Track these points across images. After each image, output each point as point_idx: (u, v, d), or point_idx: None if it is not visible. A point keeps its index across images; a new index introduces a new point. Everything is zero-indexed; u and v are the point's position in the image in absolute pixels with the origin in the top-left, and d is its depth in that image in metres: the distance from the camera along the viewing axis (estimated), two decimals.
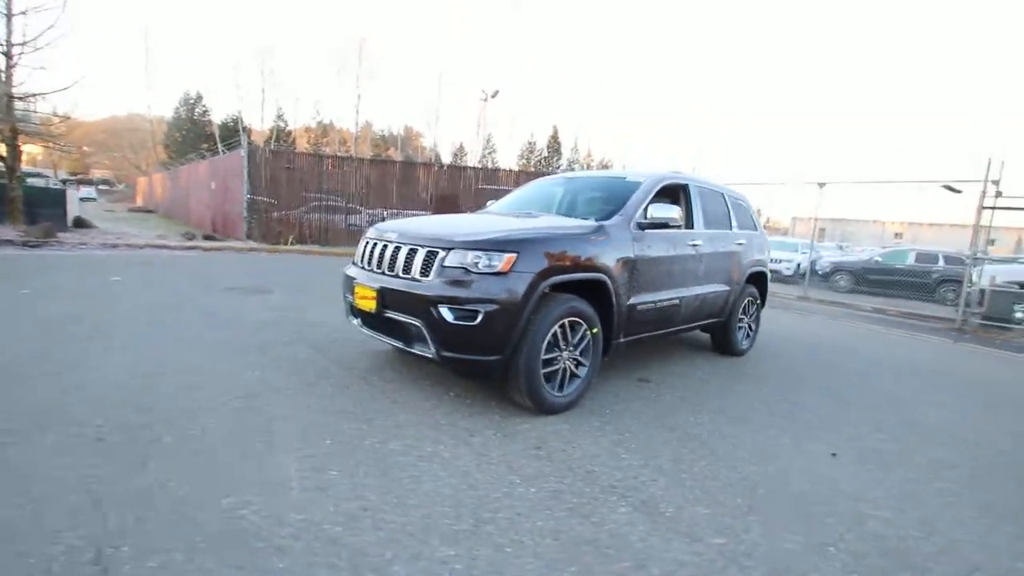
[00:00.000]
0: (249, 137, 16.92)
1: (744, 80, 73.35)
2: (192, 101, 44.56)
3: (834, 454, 3.02)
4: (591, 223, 3.55)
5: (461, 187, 15.97)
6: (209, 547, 1.77)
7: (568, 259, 3.17)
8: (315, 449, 2.52)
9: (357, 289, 3.41)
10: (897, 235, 40.96)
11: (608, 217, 3.68)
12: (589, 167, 49.32)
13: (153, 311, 5.16)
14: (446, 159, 46.65)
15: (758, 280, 5.41)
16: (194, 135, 41.91)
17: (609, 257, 3.42)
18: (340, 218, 15.01)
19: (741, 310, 5.13)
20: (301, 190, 14.53)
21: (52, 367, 3.34)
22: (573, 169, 45.67)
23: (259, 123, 45.57)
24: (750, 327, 5.37)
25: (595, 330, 3.31)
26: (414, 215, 16.27)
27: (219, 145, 22.34)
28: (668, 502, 2.31)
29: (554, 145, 52.23)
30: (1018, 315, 8.85)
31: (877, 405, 4.05)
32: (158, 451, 2.39)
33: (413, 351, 3.14)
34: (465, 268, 2.93)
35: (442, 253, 3.01)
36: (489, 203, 5.05)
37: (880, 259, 15.28)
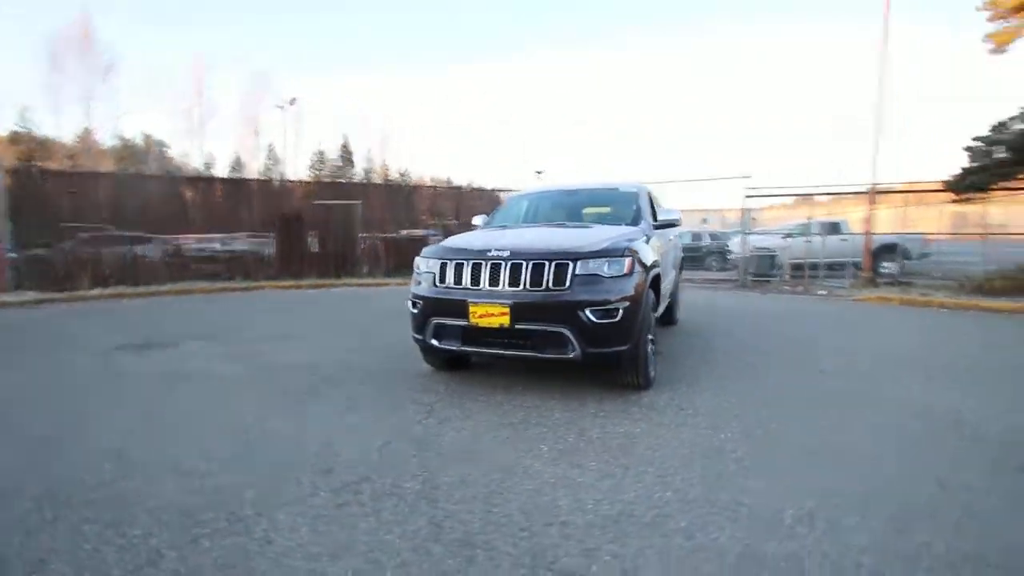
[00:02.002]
0: None
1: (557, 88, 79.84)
2: None
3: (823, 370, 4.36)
4: (639, 228, 4.28)
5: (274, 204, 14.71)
6: None
7: (648, 258, 3.87)
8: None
9: (476, 308, 3.53)
10: (704, 220, 49.57)
11: (635, 222, 4.45)
12: (387, 178, 48.94)
13: None
14: (220, 171, 40.93)
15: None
16: None
17: (657, 253, 4.20)
18: (128, 249, 12.41)
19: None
20: (75, 218, 11.51)
21: None
22: (371, 178, 44.90)
23: None
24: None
25: (655, 315, 4.08)
26: (237, 238, 14.45)
27: None
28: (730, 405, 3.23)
29: (346, 155, 50.29)
30: (772, 271, 12.51)
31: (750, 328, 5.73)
32: None
33: (543, 356, 3.49)
34: (598, 274, 3.41)
35: (572, 264, 3.41)
36: (477, 218, 5.35)
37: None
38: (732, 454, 2.79)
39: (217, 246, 14.38)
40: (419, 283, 4.01)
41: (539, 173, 15.32)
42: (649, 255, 3.93)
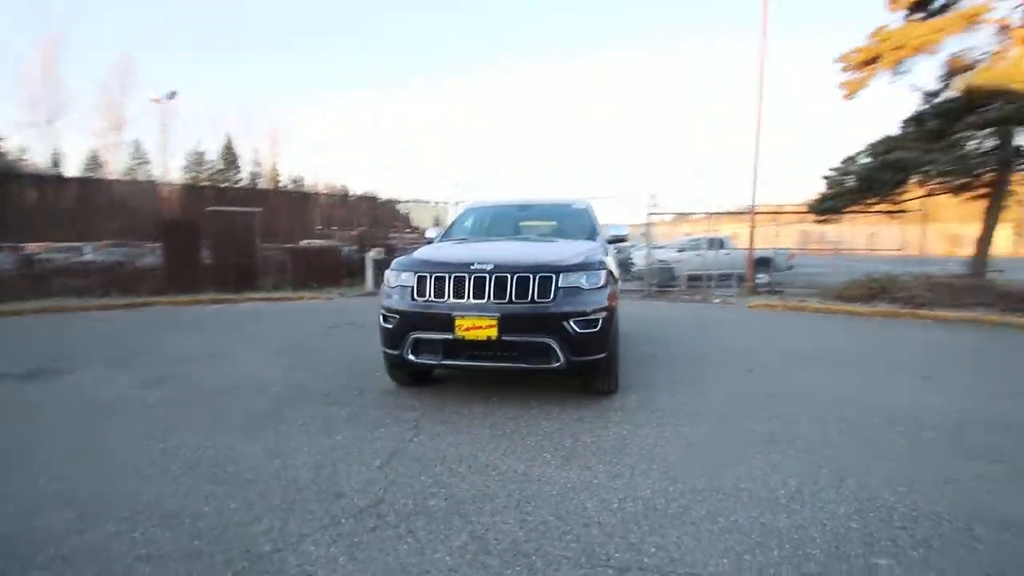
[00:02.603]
0: None
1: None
2: None
3: (751, 370, 4.91)
4: (598, 243, 4.51)
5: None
6: None
7: (615, 270, 4.14)
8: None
9: (463, 321, 3.52)
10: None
11: (592, 237, 4.70)
12: (278, 182, 45.69)
13: None
14: (70, 171, 35.45)
15: None
16: None
17: (614, 266, 4.48)
18: None
19: None
20: None
21: None
22: (256, 183, 41.67)
23: None
24: None
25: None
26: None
27: None
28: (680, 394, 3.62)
29: (230, 157, 46.14)
30: (672, 282, 13.75)
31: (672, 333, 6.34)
32: None
33: (527, 367, 3.58)
34: (579, 287, 3.57)
35: (555, 277, 3.53)
36: (430, 230, 5.31)
37: None
38: (712, 448, 3.11)
39: (86, 256, 12.47)
40: (390, 296, 3.91)
41: (457, 185, 15.47)
42: (614, 267, 4.22)
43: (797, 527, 2.22)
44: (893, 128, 12.05)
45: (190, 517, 2.31)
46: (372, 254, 14.00)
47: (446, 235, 5.15)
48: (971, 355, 6.13)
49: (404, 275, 3.88)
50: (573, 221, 5.17)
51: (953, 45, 11.07)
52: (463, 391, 4.22)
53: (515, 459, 2.95)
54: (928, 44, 10.33)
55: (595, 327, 3.60)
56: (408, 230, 15.82)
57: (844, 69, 11.71)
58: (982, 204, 11.50)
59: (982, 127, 9.29)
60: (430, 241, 5.22)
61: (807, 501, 2.45)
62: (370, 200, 14.90)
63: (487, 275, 3.61)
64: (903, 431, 3.37)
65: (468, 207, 5.65)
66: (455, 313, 3.58)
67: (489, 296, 3.59)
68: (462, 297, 3.63)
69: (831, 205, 12.19)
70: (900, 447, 3.12)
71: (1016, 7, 10.61)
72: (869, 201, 12.02)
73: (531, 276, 3.59)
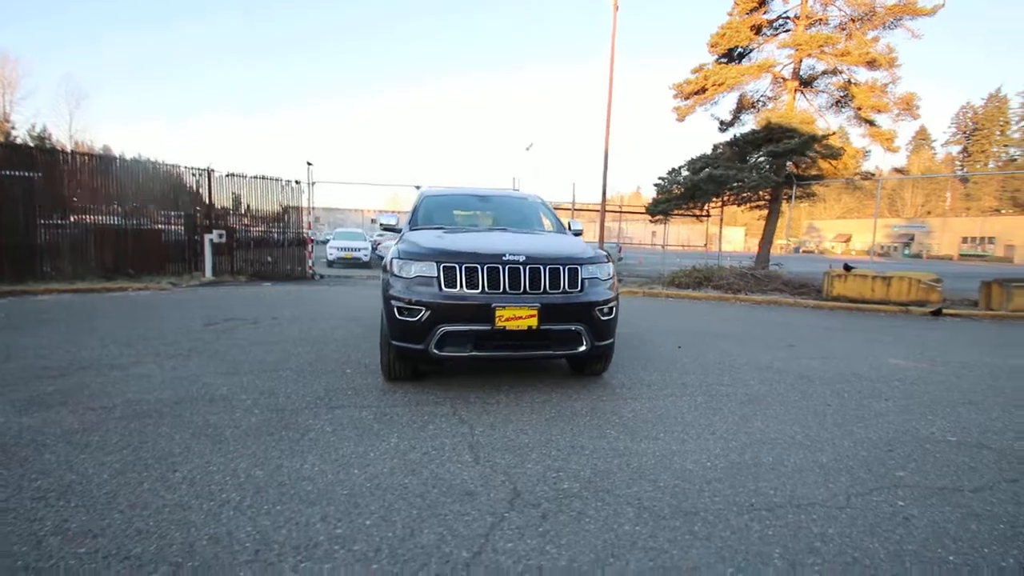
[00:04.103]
0: None
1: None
2: None
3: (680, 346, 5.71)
4: (575, 237, 4.74)
5: None
6: None
7: None
8: None
9: (504, 312, 3.49)
10: (373, 220, 49.77)
11: (562, 231, 4.96)
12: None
13: None
14: None
15: None
16: None
17: None
18: None
19: None
20: None
21: None
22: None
23: None
24: None
25: None
26: None
27: None
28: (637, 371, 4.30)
29: None
30: None
31: None
32: None
33: (556, 353, 3.72)
34: (598, 277, 3.82)
35: (579, 268, 3.73)
36: (385, 216, 5.02)
37: None
38: (724, 410, 3.71)
39: None
40: (408, 287, 3.63)
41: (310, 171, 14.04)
42: None
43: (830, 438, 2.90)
44: (707, 147, 14.96)
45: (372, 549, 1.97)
46: (213, 237, 11.95)
47: (414, 222, 4.86)
48: (800, 327, 8.11)
49: (421, 265, 3.65)
50: (531, 213, 5.38)
51: (752, 88, 14.19)
52: (465, 384, 4.13)
53: (587, 438, 3.10)
54: (737, 84, 13.03)
55: (612, 314, 3.91)
56: (244, 212, 13.79)
57: (675, 96, 14.06)
58: (762, 213, 14.99)
59: (778, 156, 12.17)
60: (397, 229, 4.90)
61: (821, 430, 3.17)
62: (202, 175, 12.64)
63: (520, 266, 3.64)
64: (819, 382, 4.46)
65: (429, 195, 5.39)
66: (495, 304, 3.53)
67: (525, 287, 3.64)
68: (497, 288, 3.61)
69: (662, 208, 14.52)
70: (827, 395, 4.15)
71: (787, 65, 14.06)
72: (690, 206, 14.69)
73: (561, 267, 3.74)
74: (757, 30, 13.69)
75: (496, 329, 3.53)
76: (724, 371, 4.82)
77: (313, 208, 15.63)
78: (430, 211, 5.10)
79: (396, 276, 3.72)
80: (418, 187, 15.88)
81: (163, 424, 3.10)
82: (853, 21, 13.37)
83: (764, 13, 13.26)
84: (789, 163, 12.38)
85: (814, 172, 13.16)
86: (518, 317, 3.55)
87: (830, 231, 68.93)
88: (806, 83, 13.93)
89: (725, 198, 13.26)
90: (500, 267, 3.62)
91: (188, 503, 2.23)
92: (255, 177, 13.63)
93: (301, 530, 2.05)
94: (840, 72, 13.54)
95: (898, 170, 19.93)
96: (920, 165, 68.61)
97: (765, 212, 14.90)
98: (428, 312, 3.53)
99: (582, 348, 3.78)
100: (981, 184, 67.02)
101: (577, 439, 3.08)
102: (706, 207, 15.21)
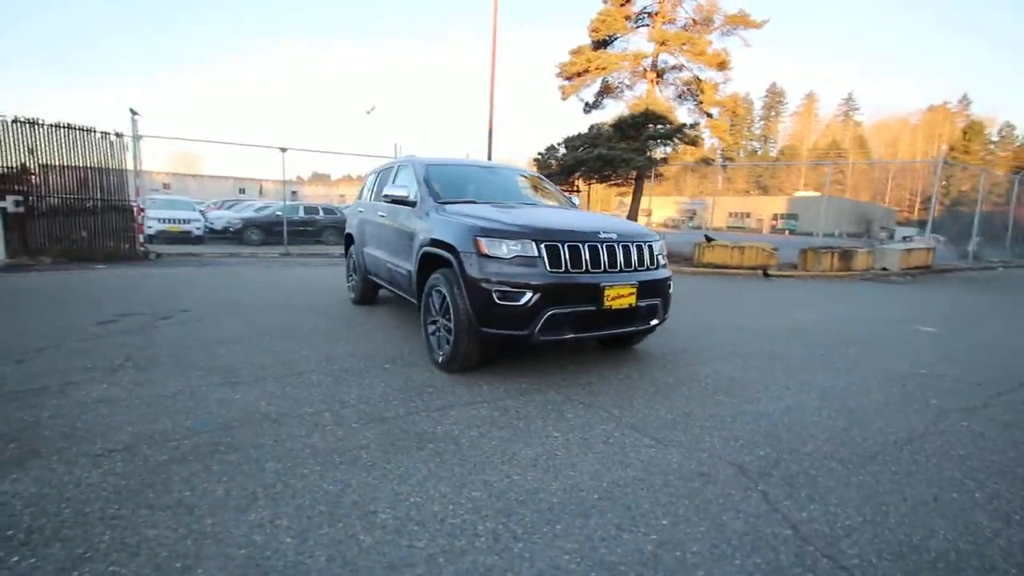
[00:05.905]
0: None
1: None
2: None
3: None
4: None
5: None
6: None
7: None
8: None
9: (611, 291, 3.48)
10: (242, 190, 40.09)
11: (573, 205, 5.03)
12: None
13: None
14: None
15: None
16: None
17: None
18: None
19: None
20: None
21: None
22: None
23: None
24: None
25: None
26: None
27: None
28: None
29: None
30: None
31: None
32: None
33: (638, 329, 3.84)
34: (661, 254, 3.99)
35: (653, 245, 3.88)
36: (390, 187, 4.61)
37: (280, 213, 17.70)
38: (767, 370, 4.24)
39: None
40: (507, 268, 3.34)
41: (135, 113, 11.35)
42: None
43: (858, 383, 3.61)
44: (572, 126, 15.94)
45: None
46: (8, 204, 8.84)
47: (434, 195, 4.32)
48: (714, 293, 9.37)
49: (519, 244, 3.37)
50: (541, 187, 5.27)
51: (615, 75, 15.45)
52: (503, 373, 3.96)
53: (659, 412, 3.17)
54: (617, 69, 14.09)
55: (671, 288, 4.13)
56: (46, 172, 10.42)
57: (559, 75, 14.61)
58: (621, 190, 16.68)
59: (655, 139, 13.59)
60: (410, 202, 4.37)
61: (839, 373, 3.89)
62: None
63: (615, 244, 3.61)
64: (784, 335, 5.36)
65: (422, 162, 4.82)
66: (604, 283, 3.45)
67: (621, 265, 3.62)
68: (599, 267, 3.54)
69: None
70: (792, 341, 5.03)
71: (648, 58, 15.65)
72: (566, 182, 15.60)
73: (644, 245, 3.82)
74: (628, 20, 14.98)
75: (603, 309, 3.47)
76: (720, 333, 5.45)
77: (146, 171, 12.52)
78: (443, 183, 4.62)
79: (484, 256, 3.36)
80: (283, 149, 13.85)
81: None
82: (695, 24, 15.48)
83: (632, 6, 14.56)
84: (666, 147, 14.12)
85: (670, 156, 15.19)
86: (621, 296, 3.55)
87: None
88: (660, 75, 15.81)
89: (601, 176, 14.47)
90: (599, 245, 3.55)
91: None
92: (56, 126, 10.30)
93: None
94: (686, 68, 15.67)
95: (709, 159, 23.98)
96: (697, 153, 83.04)
97: (624, 189, 16.68)
98: (537, 295, 3.30)
99: (655, 321, 3.94)
100: (735, 170, 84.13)
101: (705, 407, 3.26)
102: (576, 183, 16.33)
